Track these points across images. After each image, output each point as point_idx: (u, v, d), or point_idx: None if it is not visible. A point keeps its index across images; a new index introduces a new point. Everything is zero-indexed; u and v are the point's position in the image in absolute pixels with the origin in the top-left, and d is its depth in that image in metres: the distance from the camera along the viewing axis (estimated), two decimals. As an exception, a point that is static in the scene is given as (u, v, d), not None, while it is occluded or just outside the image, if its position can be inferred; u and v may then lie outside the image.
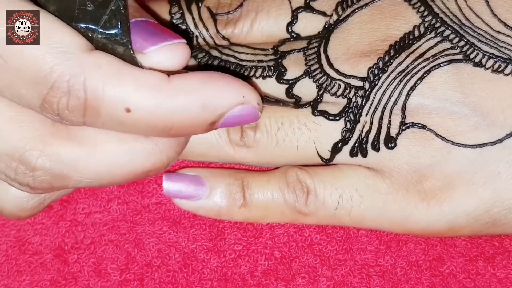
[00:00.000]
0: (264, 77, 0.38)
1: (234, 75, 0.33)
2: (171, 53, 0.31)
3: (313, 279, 0.39)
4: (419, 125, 0.36)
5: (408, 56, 0.37)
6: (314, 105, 0.38)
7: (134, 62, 0.31)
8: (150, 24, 0.32)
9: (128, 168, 0.33)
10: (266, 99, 0.37)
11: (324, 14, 0.39)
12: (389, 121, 0.37)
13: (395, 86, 0.37)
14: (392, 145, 0.37)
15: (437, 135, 0.36)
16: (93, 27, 0.31)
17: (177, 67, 0.32)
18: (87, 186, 0.37)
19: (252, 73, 0.38)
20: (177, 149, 0.34)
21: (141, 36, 0.31)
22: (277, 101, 0.38)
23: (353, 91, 0.37)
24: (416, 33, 0.37)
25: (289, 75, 0.38)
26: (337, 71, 0.37)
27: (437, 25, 0.37)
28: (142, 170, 0.34)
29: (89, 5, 0.32)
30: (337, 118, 0.37)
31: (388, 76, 0.37)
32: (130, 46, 0.31)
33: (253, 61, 0.39)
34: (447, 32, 0.37)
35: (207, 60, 0.39)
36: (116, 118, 0.31)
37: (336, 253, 0.39)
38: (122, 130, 0.32)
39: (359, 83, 0.37)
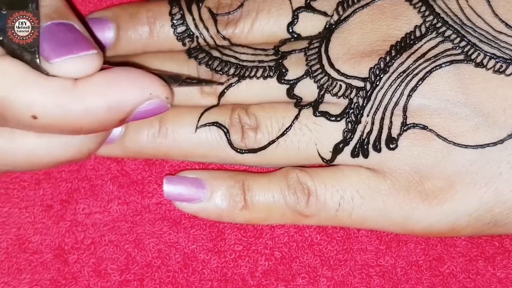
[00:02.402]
0: (265, 77, 0.38)
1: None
2: (75, 65, 0.32)
3: (313, 279, 0.39)
4: (420, 125, 0.36)
5: (409, 56, 0.37)
6: (315, 105, 0.37)
7: (41, 70, 0.32)
8: (64, 29, 0.33)
9: (46, 158, 0.35)
10: (187, 82, 0.37)
11: (325, 14, 0.39)
12: (390, 122, 0.37)
13: (396, 87, 0.37)
14: (393, 145, 0.37)
15: (438, 135, 0.36)
16: (2, 32, 0.32)
17: (84, 76, 0.32)
18: (8, 172, 0.39)
19: (253, 74, 0.38)
20: (98, 140, 0.36)
21: (49, 45, 0.32)
22: (199, 82, 0.38)
23: (354, 91, 0.37)
24: (417, 33, 0.37)
25: (290, 76, 0.38)
26: (338, 71, 0.37)
27: (438, 25, 0.37)
28: (61, 160, 0.35)
29: (3, 10, 0.32)
30: (338, 118, 0.37)
31: (390, 76, 0.37)
32: (37, 55, 0.32)
33: (254, 61, 0.38)
34: (448, 32, 0.37)
35: (207, 61, 0.39)
36: (24, 123, 0.32)
37: (337, 253, 0.39)
38: (34, 131, 0.33)
39: (360, 84, 0.37)
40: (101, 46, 0.38)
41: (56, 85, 0.32)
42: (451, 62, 0.36)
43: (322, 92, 0.37)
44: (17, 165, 0.35)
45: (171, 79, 0.36)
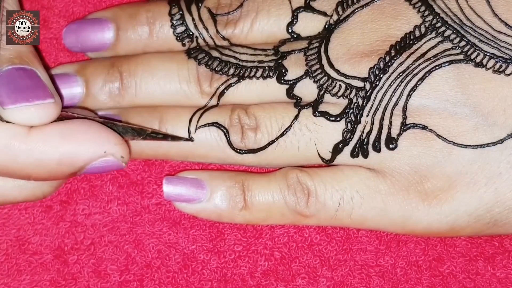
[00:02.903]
0: (264, 78, 0.38)
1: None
2: (29, 113, 0.32)
3: (313, 280, 0.38)
4: (420, 125, 0.36)
5: (409, 56, 0.37)
6: (315, 105, 0.37)
7: None
8: (23, 75, 0.33)
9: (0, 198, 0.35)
10: (152, 136, 0.37)
11: (324, 14, 0.39)
12: (390, 122, 0.37)
13: (396, 87, 0.37)
14: (393, 145, 0.37)
15: (438, 135, 0.36)
16: None
17: (38, 125, 0.32)
18: None
19: (252, 74, 0.38)
20: (53, 184, 0.36)
21: (6, 90, 0.32)
22: (165, 136, 0.37)
23: (354, 91, 0.37)
24: (417, 33, 0.37)
25: (289, 76, 0.38)
26: (337, 71, 0.37)
27: (438, 25, 0.37)
28: (15, 201, 0.35)
29: None
30: (338, 119, 0.37)
31: (389, 76, 0.37)
32: None
33: (253, 61, 0.38)
34: (448, 32, 0.37)
35: (207, 61, 0.39)
36: None
37: (336, 253, 0.39)
38: None
39: (360, 84, 0.37)
40: (61, 96, 0.38)
41: (9, 131, 0.32)
42: (451, 62, 0.36)
43: (322, 92, 0.37)
44: None
45: (135, 133, 0.36)
